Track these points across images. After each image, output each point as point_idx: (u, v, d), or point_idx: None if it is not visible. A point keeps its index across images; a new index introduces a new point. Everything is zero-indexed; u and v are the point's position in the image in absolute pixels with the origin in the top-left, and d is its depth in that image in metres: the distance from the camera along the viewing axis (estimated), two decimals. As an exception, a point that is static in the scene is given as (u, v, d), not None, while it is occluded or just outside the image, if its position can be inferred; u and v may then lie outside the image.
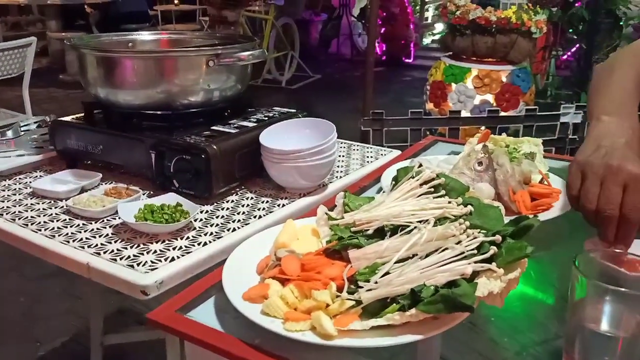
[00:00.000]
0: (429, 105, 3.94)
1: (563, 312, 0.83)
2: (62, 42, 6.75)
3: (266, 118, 1.30)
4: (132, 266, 0.89)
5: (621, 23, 4.96)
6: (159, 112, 1.23)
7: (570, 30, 5.25)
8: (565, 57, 5.92)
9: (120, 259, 0.91)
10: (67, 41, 1.24)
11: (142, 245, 0.96)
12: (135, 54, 1.25)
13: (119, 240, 0.97)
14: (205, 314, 0.77)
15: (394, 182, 0.94)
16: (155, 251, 0.94)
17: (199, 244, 0.97)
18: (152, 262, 0.90)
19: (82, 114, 1.30)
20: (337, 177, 1.29)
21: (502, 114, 3.34)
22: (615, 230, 0.83)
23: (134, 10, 6.87)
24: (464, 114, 3.47)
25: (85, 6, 7.32)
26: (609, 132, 0.91)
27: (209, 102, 1.25)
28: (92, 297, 1.62)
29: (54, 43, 7.18)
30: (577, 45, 5.18)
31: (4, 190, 1.20)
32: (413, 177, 0.91)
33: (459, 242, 0.75)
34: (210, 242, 0.98)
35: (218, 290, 0.81)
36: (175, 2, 8.44)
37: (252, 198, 1.17)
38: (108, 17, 6.69)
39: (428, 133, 3.63)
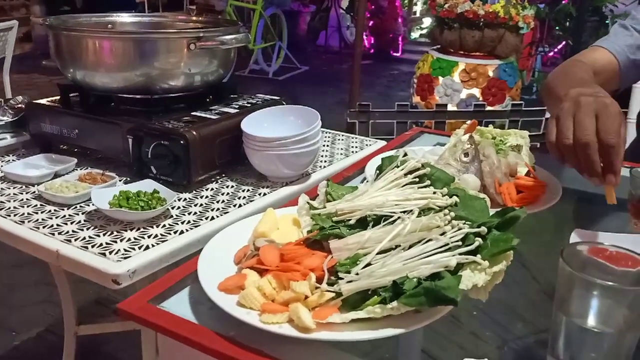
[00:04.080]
0: (416, 99, 3.92)
1: (544, 306, 0.82)
2: (46, 27, 6.62)
3: (249, 105, 1.27)
4: (103, 254, 0.85)
5: (607, 21, 4.98)
6: (137, 96, 1.19)
7: (557, 28, 5.27)
8: (551, 54, 5.95)
9: (92, 246, 0.87)
10: (43, 20, 1.19)
11: (115, 233, 0.92)
12: (113, 34, 1.20)
13: (91, 228, 0.94)
14: (179, 305, 0.74)
15: (378, 172, 0.92)
16: (129, 239, 0.90)
17: (175, 233, 0.93)
18: (125, 250, 0.87)
19: (58, 97, 1.26)
20: (320, 166, 1.26)
21: (488, 108, 3.34)
22: (598, 159, 0.82)
23: (120, -3, 6.75)
24: (451, 107, 3.46)
25: (70, -9, 7.18)
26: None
27: (189, 87, 1.21)
28: (64, 286, 1.58)
29: (37, 28, 7.05)
30: (564, 42, 5.19)
31: (-27, 174, 1.15)
32: (398, 167, 0.89)
33: (443, 234, 0.72)
34: (187, 230, 0.94)
35: (193, 281, 0.78)
36: (162, -11, 8.31)
37: (232, 186, 1.14)
38: (93, 3, 6.57)
39: (414, 126, 3.62)
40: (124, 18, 1.38)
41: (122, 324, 1.62)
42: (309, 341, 0.65)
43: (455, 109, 3.54)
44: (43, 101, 1.25)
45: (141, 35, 1.20)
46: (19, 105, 1.31)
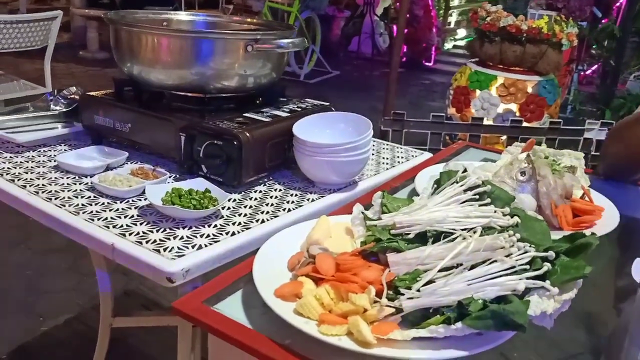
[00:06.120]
0: (451, 110, 3.89)
1: (577, 334, 0.80)
2: (85, 18, 6.73)
3: (299, 109, 1.26)
4: (158, 251, 0.85)
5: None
6: (190, 94, 1.19)
7: (594, 47, 5.19)
8: (588, 72, 5.86)
9: (146, 242, 0.87)
10: (104, 15, 1.20)
11: (168, 230, 0.92)
12: (173, 32, 1.21)
13: (145, 223, 0.94)
14: (232, 307, 0.74)
15: (435, 186, 0.90)
16: (182, 237, 0.90)
17: (227, 234, 0.93)
18: (178, 248, 0.86)
19: (112, 90, 1.27)
20: (367, 175, 1.25)
21: (525, 124, 3.29)
22: None
23: (158, -8, 6.83)
24: (487, 121, 3.42)
25: (110, -16, 7.28)
26: None
27: (242, 88, 1.21)
28: (103, 278, 1.59)
29: (76, 19, 7.16)
30: (600, 61, 5.12)
31: (27, 162, 1.16)
32: (457, 182, 0.87)
33: (508, 255, 0.71)
34: (238, 232, 0.94)
35: (245, 283, 0.78)
36: (200, -13, 8.40)
37: (280, 190, 1.13)
38: (132, -3, 6.66)
39: (447, 138, 3.58)
40: (180, 16, 1.39)
41: (157, 318, 1.63)
42: (366, 356, 0.64)
43: (491, 123, 3.50)
44: (97, 93, 1.26)
45: (200, 34, 1.20)
46: (72, 96, 1.33)
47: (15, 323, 2.21)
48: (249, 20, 1.42)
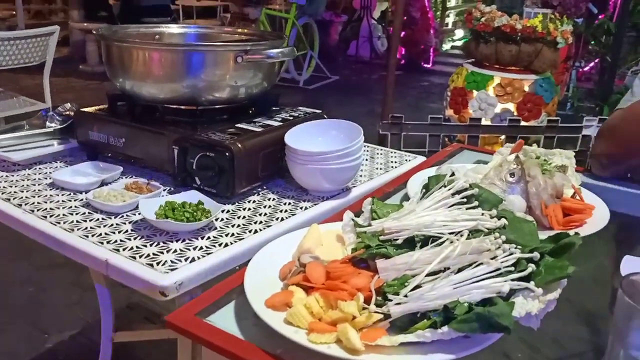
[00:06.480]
0: (449, 112, 3.89)
1: (576, 329, 0.80)
2: (84, 32, 6.78)
3: (291, 118, 1.27)
4: (151, 265, 0.86)
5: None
6: (183, 107, 1.20)
7: (592, 43, 5.20)
8: (587, 69, 5.87)
9: (140, 257, 0.89)
10: (95, 31, 1.22)
11: (162, 244, 0.93)
12: (163, 47, 1.22)
13: (139, 237, 0.95)
14: (225, 319, 0.74)
15: (424, 190, 0.91)
16: (175, 250, 0.91)
17: (220, 245, 0.94)
18: (172, 261, 0.88)
19: (105, 106, 1.28)
20: (360, 181, 1.26)
21: (523, 123, 3.29)
22: None
23: (156, 4, 6.86)
24: (485, 122, 3.42)
25: (109, -3, 7.33)
26: None
27: (234, 99, 1.22)
28: (103, 293, 1.60)
29: (75, 33, 7.21)
30: (598, 58, 5.12)
31: (23, 180, 1.18)
32: (445, 186, 0.88)
33: (494, 258, 0.71)
34: (231, 243, 0.95)
35: (238, 295, 0.78)
36: (197, -3, 8.44)
37: (274, 199, 1.14)
38: (130, 10, 6.69)
39: (446, 140, 3.59)
40: (171, 29, 1.40)
41: (157, 332, 1.63)
42: (356, 362, 0.64)
43: (489, 123, 3.50)
44: (91, 109, 1.27)
45: (190, 47, 1.22)
46: (67, 113, 1.34)
47: (19, 338, 2.22)
48: (239, 30, 1.44)
